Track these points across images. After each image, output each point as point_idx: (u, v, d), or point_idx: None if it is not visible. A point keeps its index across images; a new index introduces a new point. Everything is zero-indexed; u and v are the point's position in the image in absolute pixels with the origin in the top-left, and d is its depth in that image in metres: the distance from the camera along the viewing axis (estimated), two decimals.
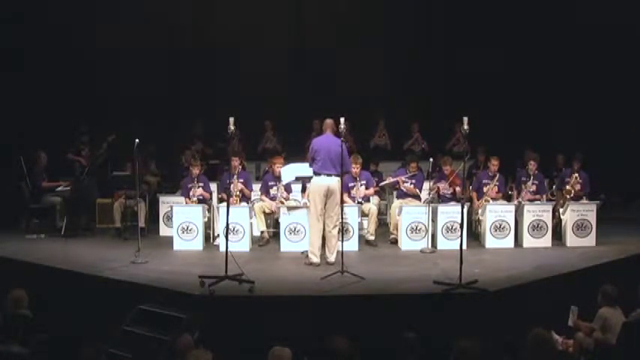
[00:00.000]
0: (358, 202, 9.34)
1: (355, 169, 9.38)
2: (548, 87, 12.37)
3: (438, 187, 9.60)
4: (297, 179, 9.06)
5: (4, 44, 11.34)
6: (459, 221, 8.03)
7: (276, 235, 9.44)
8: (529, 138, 11.30)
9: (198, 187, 9.48)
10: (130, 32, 12.22)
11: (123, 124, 10.96)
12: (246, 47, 12.67)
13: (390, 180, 9.94)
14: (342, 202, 8.40)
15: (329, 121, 8.26)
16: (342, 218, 7.93)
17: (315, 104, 11.91)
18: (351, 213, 8.89)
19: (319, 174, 7.99)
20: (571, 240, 9.05)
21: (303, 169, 8.75)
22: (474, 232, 9.66)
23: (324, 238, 8.17)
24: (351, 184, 9.41)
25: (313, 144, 8.16)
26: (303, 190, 9.49)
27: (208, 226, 9.48)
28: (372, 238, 9.24)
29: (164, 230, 9.86)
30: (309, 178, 8.31)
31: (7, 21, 11.42)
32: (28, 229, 9.96)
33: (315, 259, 8.05)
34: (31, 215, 10.18)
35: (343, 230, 8.10)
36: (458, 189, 9.35)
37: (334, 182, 8.01)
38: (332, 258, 8.05)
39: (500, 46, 12.50)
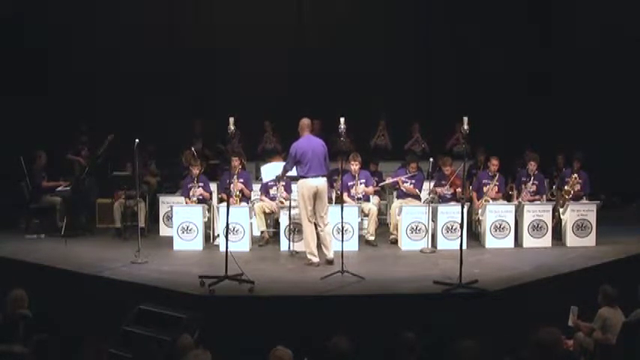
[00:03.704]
0: (357, 199, 9.34)
1: (354, 166, 9.39)
2: (548, 87, 12.37)
3: (436, 190, 9.59)
4: (292, 179, 8.97)
5: (5, 44, 11.35)
6: (459, 221, 8.03)
7: (276, 235, 9.43)
8: (529, 138, 11.29)
9: (198, 187, 9.47)
10: (130, 32, 12.22)
11: (122, 124, 10.95)
12: (246, 47, 12.66)
13: (389, 180, 9.94)
14: (342, 201, 8.43)
15: (305, 122, 8.24)
16: (342, 218, 7.93)
17: (315, 104, 11.91)
18: (351, 213, 8.88)
19: (307, 176, 7.98)
20: (571, 240, 9.04)
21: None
22: (474, 232, 9.65)
23: (319, 237, 8.18)
24: (350, 183, 9.41)
25: (296, 148, 8.06)
26: None
27: (208, 226, 9.48)
28: (372, 238, 9.24)
29: (164, 230, 9.86)
30: (296, 178, 8.31)
31: (7, 21, 11.43)
32: (28, 229, 9.95)
33: (315, 259, 8.07)
34: (31, 215, 10.17)
35: (343, 230, 8.10)
36: (458, 190, 9.34)
37: (322, 183, 8.03)
38: (330, 254, 8.08)
39: (501, 46, 12.51)
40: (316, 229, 8.17)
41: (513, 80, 12.47)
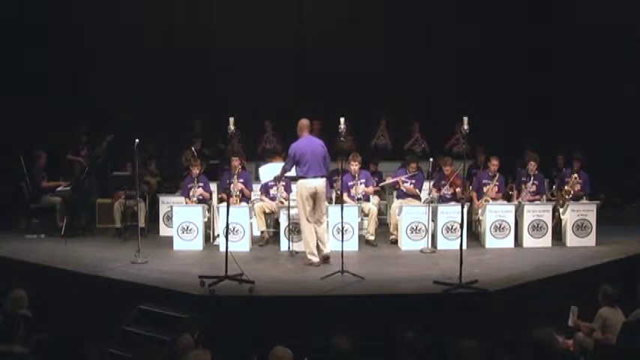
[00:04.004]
0: (357, 199, 9.34)
1: (354, 166, 9.39)
2: (549, 87, 12.37)
3: (438, 189, 9.59)
4: (291, 179, 8.97)
5: (4, 44, 11.35)
6: (459, 221, 8.03)
7: (276, 235, 9.43)
8: (529, 138, 11.29)
9: (198, 187, 9.47)
10: (130, 32, 12.22)
11: (122, 124, 10.96)
12: (246, 47, 12.66)
13: (390, 180, 9.94)
14: (342, 201, 8.42)
15: (304, 122, 8.24)
16: (342, 218, 7.93)
17: (315, 104, 11.91)
18: (351, 213, 8.88)
19: (306, 177, 7.99)
20: (571, 240, 9.04)
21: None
22: (474, 232, 9.65)
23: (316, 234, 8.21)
24: (350, 183, 9.41)
25: (295, 148, 8.06)
26: None
27: (208, 226, 9.48)
28: (372, 238, 9.25)
29: (164, 230, 9.86)
30: (295, 178, 8.31)
31: (8, 21, 11.43)
32: (28, 229, 9.95)
33: (315, 259, 8.08)
34: (31, 215, 10.16)
35: (343, 230, 8.10)
36: (458, 189, 9.34)
37: (321, 183, 8.06)
38: (327, 250, 8.14)
39: (501, 46, 12.51)
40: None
41: (513, 80, 12.46)
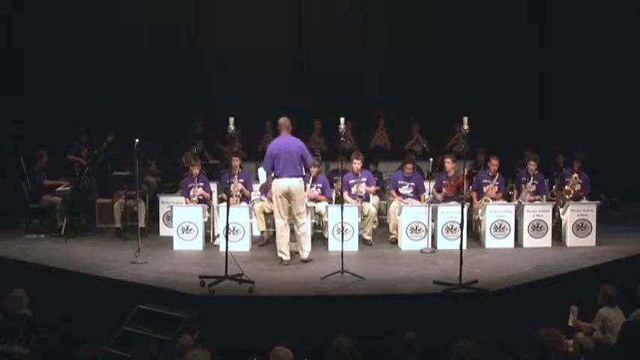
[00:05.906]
0: (359, 196, 9.31)
1: (357, 164, 9.38)
2: (548, 87, 12.38)
3: (439, 190, 9.57)
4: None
5: (4, 44, 11.35)
6: (459, 221, 8.03)
7: (275, 235, 9.42)
8: (529, 138, 11.29)
9: (198, 187, 9.47)
10: (130, 32, 12.22)
11: (122, 124, 10.96)
12: (246, 47, 12.67)
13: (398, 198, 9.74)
14: (342, 201, 8.42)
15: (282, 121, 8.17)
16: (342, 218, 7.92)
17: (315, 104, 11.91)
18: (351, 213, 8.88)
19: (280, 177, 7.97)
20: (571, 240, 9.04)
21: None
22: (473, 232, 9.65)
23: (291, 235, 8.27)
24: (351, 182, 9.40)
25: (271, 148, 8.03)
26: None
27: (208, 226, 9.47)
28: (369, 237, 9.24)
29: (164, 230, 9.85)
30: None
31: (7, 20, 11.43)
32: (28, 229, 9.95)
33: (285, 257, 8.11)
34: (31, 215, 10.17)
35: (343, 230, 8.10)
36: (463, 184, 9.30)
37: (295, 183, 8.00)
38: (305, 255, 8.16)
39: (501, 46, 12.52)
40: (293, 228, 8.25)
41: (513, 80, 12.47)
